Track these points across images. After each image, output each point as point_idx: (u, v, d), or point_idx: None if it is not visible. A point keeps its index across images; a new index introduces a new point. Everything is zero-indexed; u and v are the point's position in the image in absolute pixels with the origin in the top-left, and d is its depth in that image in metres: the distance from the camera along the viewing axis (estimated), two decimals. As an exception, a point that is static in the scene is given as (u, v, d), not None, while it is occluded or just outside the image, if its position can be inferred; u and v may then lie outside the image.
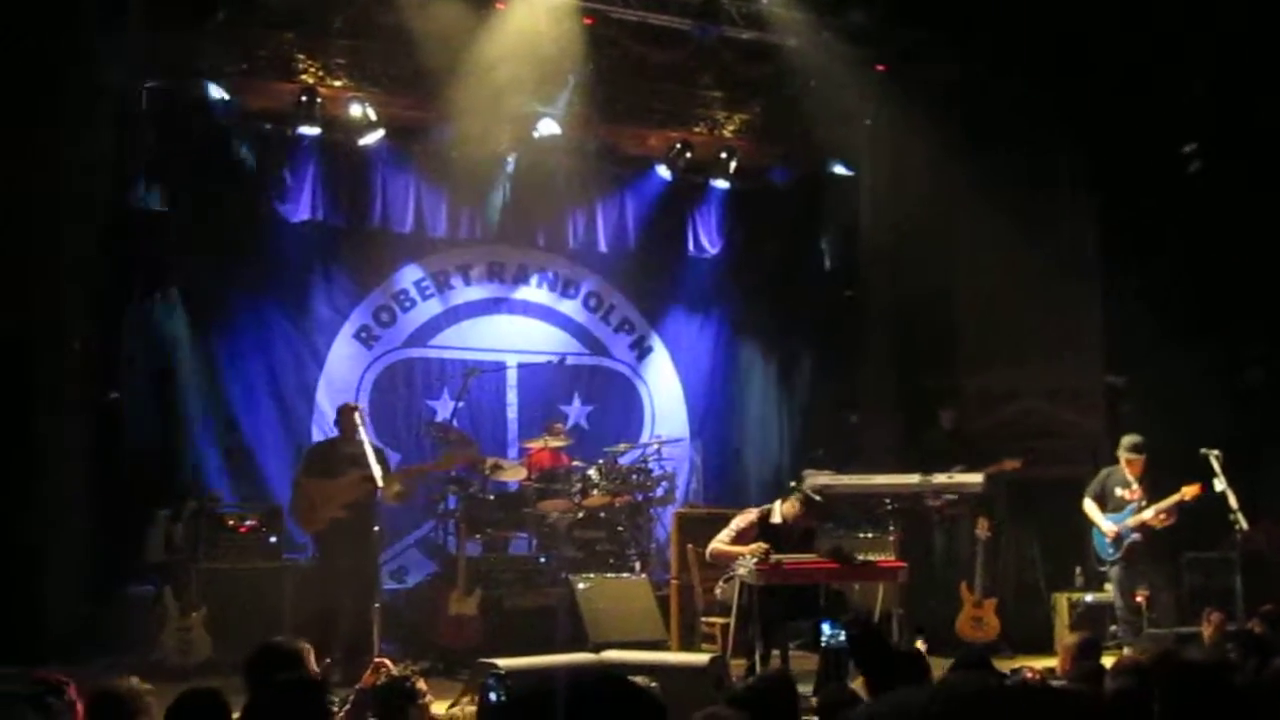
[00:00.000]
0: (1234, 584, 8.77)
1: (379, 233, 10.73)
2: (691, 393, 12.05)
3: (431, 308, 11.19)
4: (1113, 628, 9.11)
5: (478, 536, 9.73)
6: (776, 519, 7.78)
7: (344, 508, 8.06)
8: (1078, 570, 10.08)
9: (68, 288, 8.90)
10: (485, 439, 10.72)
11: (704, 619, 8.21)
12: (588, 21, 10.18)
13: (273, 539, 8.99)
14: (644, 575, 9.54)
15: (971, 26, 10.35)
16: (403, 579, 10.13)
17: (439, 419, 10.62)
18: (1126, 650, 7.89)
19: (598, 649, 7.90)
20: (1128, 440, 9.12)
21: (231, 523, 8.91)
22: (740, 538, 7.69)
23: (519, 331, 11.50)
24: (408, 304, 11.11)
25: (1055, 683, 4.89)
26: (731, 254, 12.00)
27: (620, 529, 10.02)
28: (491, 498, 9.88)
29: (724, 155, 11.34)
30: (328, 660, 6.53)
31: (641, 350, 12.01)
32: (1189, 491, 8.73)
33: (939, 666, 5.02)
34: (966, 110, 10.57)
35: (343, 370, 10.71)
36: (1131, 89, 10.37)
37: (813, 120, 11.06)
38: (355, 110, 10.06)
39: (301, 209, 10.28)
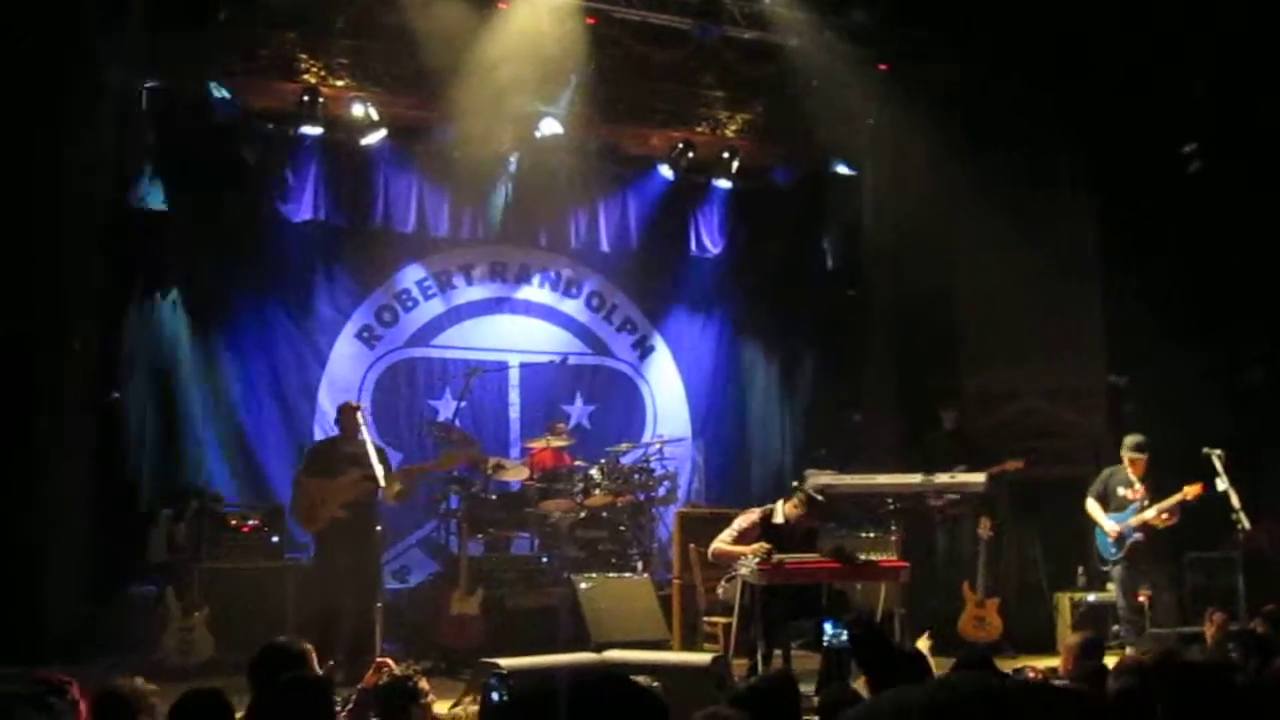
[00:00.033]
0: (1236, 584, 8.78)
1: (381, 232, 10.73)
2: (693, 392, 12.04)
3: (434, 307, 11.19)
4: (1115, 627, 9.10)
5: (480, 536, 9.75)
6: (779, 519, 7.79)
7: (344, 507, 8.06)
8: (1080, 570, 10.08)
9: (68, 288, 8.88)
10: (487, 439, 10.73)
11: (706, 619, 8.21)
12: (590, 21, 10.18)
13: (275, 539, 9.00)
14: (646, 575, 9.55)
15: (972, 26, 10.37)
16: (405, 579, 10.15)
17: (441, 419, 10.63)
18: (1129, 650, 7.88)
19: (600, 649, 7.90)
20: (1131, 440, 9.10)
21: (234, 522, 8.93)
22: (742, 537, 7.69)
23: (521, 331, 11.50)
24: (410, 304, 11.11)
25: (1057, 682, 4.88)
26: (733, 254, 12.00)
27: (622, 529, 10.03)
28: (494, 497, 9.89)
29: (726, 155, 11.34)
30: (331, 662, 6.51)
31: (644, 350, 12.00)
32: (1191, 491, 8.72)
33: (941, 666, 5.03)
34: (967, 110, 10.57)
35: (345, 370, 10.71)
36: (1131, 89, 10.38)
37: (815, 120, 11.04)
38: (357, 110, 10.05)
39: (304, 209, 10.28)
